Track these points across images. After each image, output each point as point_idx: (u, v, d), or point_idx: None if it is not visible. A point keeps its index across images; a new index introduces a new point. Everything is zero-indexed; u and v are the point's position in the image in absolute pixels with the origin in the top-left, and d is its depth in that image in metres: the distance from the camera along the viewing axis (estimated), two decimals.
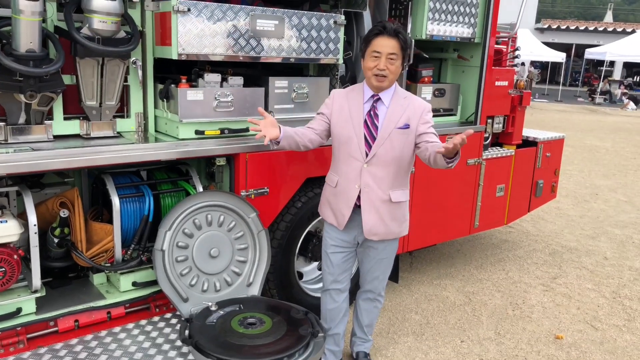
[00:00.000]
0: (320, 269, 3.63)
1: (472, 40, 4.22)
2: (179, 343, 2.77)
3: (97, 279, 3.15)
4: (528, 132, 5.23)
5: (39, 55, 2.56)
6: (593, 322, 4.15)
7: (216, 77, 3.07)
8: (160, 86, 3.07)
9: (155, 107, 3.15)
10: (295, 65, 3.66)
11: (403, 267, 4.82)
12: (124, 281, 3.05)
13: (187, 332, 2.70)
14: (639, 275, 5.11)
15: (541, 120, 16.42)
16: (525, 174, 5.07)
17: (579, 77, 33.20)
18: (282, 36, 3.16)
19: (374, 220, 2.91)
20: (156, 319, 3.04)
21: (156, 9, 2.97)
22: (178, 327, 2.93)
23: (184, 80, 2.98)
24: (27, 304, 2.75)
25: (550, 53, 25.88)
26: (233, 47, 3.00)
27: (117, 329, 2.90)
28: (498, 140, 4.98)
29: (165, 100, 3.04)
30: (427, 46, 4.28)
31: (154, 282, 3.02)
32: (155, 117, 3.17)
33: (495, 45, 4.59)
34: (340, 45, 3.42)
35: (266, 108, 3.25)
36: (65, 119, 2.89)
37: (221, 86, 3.09)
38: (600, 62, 28.01)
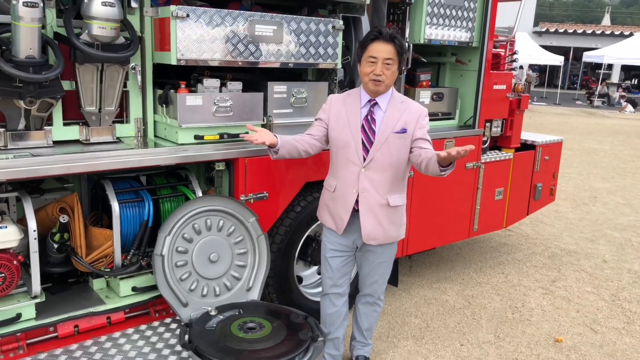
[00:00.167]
0: (319, 273, 3.63)
1: (470, 44, 4.24)
2: (178, 348, 2.76)
3: (97, 284, 3.15)
4: (526, 135, 5.23)
5: (39, 61, 2.57)
6: (592, 325, 4.15)
7: (215, 82, 3.08)
8: (160, 91, 3.08)
9: (155, 112, 3.16)
10: (294, 70, 3.67)
11: (402, 271, 4.82)
12: (123, 286, 3.04)
13: (186, 336, 2.70)
14: (638, 278, 5.11)
15: (539, 124, 16.43)
16: (524, 177, 5.08)
17: (577, 80, 33.30)
18: (280, 41, 3.17)
19: (372, 225, 2.92)
20: (156, 323, 3.03)
21: (155, 15, 2.98)
22: (178, 332, 2.92)
23: (183, 86, 2.99)
24: (26, 309, 2.75)
25: (548, 56, 25.92)
26: (232, 52, 3.01)
27: (117, 334, 2.90)
28: (496, 144, 4.99)
29: (164, 105, 3.05)
30: (425, 50, 4.29)
31: (154, 287, 3.02)
32: (155, 122, 3.18)
33: (493, 49, 4.61)
34: (339, 50, 3.43)
35: (265, 113, 3.26)
36: (64, 124, 2.89)
37: (220, 91, 3.09)
38: (598, 65, 28.08)
